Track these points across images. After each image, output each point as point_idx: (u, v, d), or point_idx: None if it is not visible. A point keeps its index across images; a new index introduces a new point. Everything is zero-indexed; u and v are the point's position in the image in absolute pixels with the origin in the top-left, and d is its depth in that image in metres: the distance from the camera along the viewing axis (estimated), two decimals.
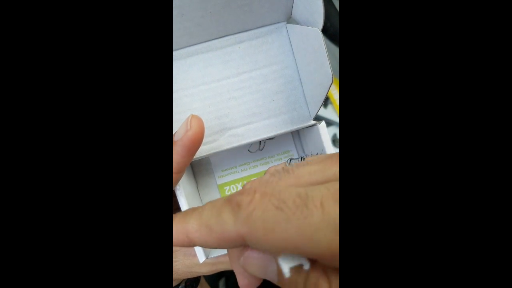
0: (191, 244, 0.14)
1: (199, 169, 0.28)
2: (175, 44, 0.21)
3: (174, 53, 0.22)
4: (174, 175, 0.19)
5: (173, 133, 0.19)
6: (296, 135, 0.28)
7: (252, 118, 0.22)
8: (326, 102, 0.57)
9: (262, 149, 0.28)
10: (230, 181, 0.29)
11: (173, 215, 0.15)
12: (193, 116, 0.18)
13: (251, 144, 0.28)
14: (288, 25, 0.22)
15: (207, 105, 0.21)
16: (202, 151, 0.22)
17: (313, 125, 0.23)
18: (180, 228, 0.14)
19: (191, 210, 0.14)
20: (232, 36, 0.22)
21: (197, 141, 0.18)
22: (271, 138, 0.28)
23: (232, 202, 0.13)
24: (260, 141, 0.28)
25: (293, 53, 0.22)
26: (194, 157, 0.27)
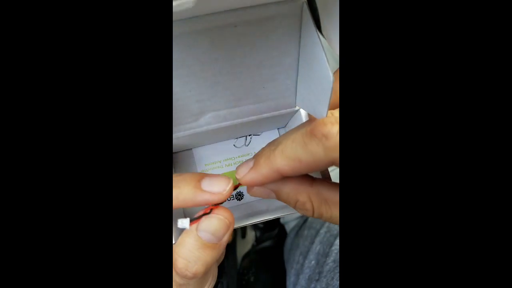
0: (282, 177, 0.15)
1: (180, 162, 0.27)
2: None
3: None
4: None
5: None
6: (283, 131, 0.27)
7: (238, 102, 0.21)
8: None
9: (248, 145, 0.27)
10: None
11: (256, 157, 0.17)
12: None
13: (237, 139, 0.27)
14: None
15: (187, 89, 0.20)
16: (178, 131, 0.21)
17: (296, 111, 0.22)
18: (268, 168, 0.15)
19: (267, 151, 0.16)
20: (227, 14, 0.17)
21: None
22: (257, 134, 0.27)
23: (316, 134, 0.14)
24: (246, 137, 0.27)
25: (299, 42, 0.19)
26: (174, 149, 0.26)
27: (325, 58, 0.15)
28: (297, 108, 0.23)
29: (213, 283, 0.21)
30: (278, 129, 0.27)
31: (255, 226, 0.53)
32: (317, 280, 0.43)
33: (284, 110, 0.22)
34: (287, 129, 0.27)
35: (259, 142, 0.27)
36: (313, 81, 0.18)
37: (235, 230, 0.59)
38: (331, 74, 0.15)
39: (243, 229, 0.54)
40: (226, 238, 0.17)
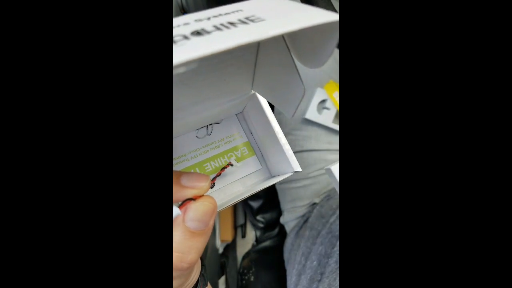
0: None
1: None
2: None
3: None
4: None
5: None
6: (241, 117, 0.27)
7: (199, 96, 0.20)
8: (322, 106, 0.55)
9: (210, 134, 0.27)
10: (180, 170, 0.27)
11: None
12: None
13: (198, 130, 0.26)
14: None
15: None
16: None
17: (252, 95, 0.22)
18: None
19: None
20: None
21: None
22: (217, 123, 0.27)
23: None
24: (207, 126, 0.27)
25: None
26: None
27: (295, 68, 0.15)
28: (253, 92, 0.22)
29: (198, 271, 0.22)
30: (236, 114, 0.26)
31: (255, 226, 0.52)
32: (319, 281, 0.42)
33: (242, 95, 0.22)
34: (244, 114, 0.26)
35: (220, 130, 0.26)
36: (279, 80, 0.18)
37: (235, 230, 0.58)
38: (302, 86, 0.15)
39: (243, 229, 0.53)
40: (212, 223, 0.17)
